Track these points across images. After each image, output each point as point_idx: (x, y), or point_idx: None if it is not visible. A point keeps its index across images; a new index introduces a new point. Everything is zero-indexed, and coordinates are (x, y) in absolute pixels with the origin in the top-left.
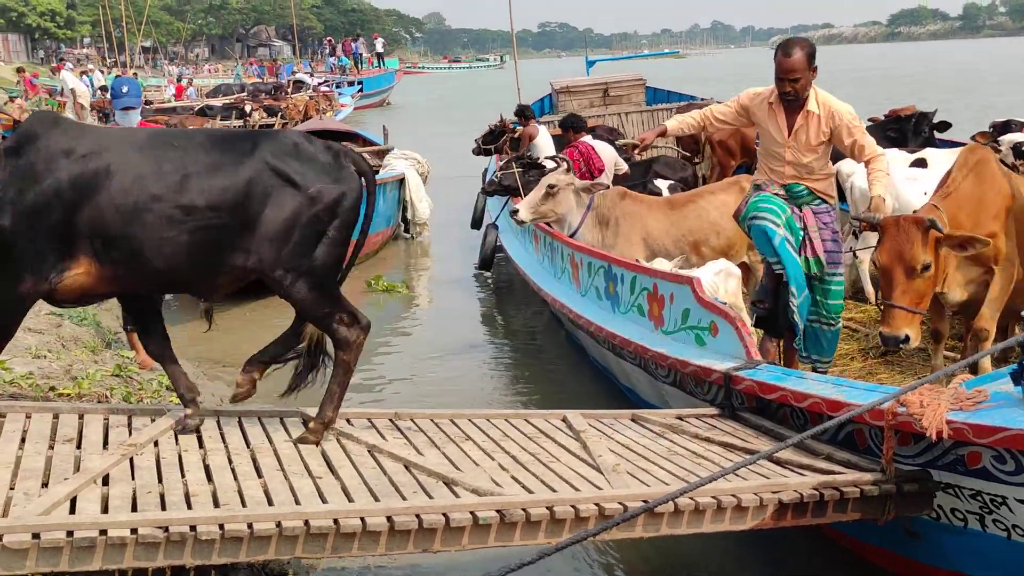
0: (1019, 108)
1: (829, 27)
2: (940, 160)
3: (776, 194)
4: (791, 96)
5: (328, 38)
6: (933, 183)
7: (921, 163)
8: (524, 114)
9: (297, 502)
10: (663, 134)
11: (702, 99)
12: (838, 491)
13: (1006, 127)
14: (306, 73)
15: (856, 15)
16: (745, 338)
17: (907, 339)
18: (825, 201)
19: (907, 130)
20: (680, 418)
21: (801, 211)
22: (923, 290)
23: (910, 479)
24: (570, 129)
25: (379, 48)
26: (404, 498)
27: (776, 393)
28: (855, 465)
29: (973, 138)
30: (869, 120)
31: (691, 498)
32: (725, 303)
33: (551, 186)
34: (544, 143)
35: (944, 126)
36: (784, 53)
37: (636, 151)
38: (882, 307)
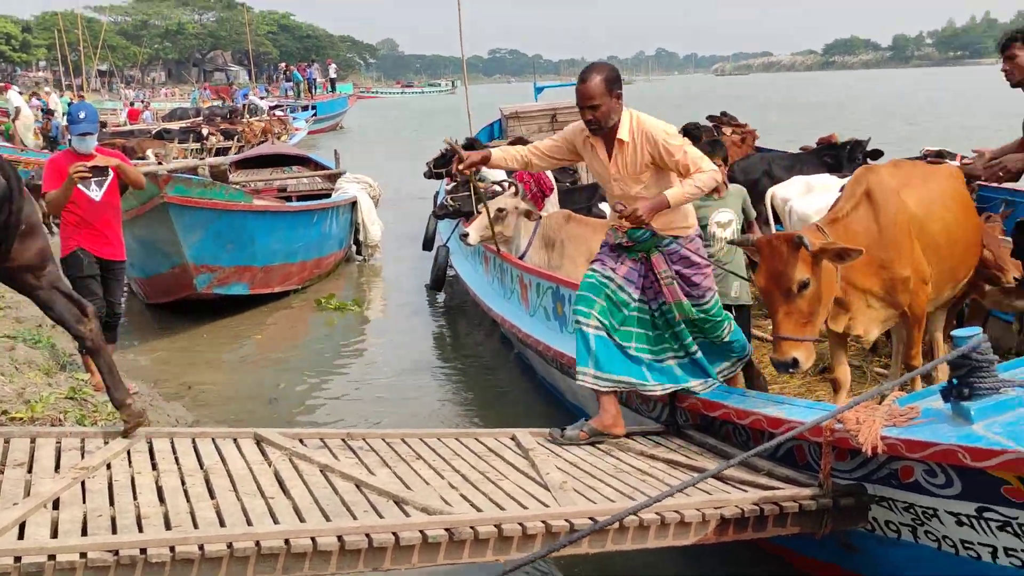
0: (948, 135)
1: (768, 55)
2: None
3: (617, 244)
4: (593, 125)
5: (284, 63)
6: None
7: None
8: (473, 147)
9: (249, 523)
10: (486, 159)
11: None
12: (778, 506)
13: (939, 156)
14: (260, 98)
15: (794, 44)
16: None
17: (796, 363)
18: (675, 238)
19: (842, 157)
20: (627, 435)
21: (650, 259)
22: (806, 309)
23: (846, 493)
24: None
25: (332, 74)
26: (355, 517)
27: (719, 411)
28: (794, 480)
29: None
30: (801, 149)
31: (636, 515)
32: None
33: (500, 209)
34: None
35: (876, 154)
36: (581, 79)
37: (458, 167)
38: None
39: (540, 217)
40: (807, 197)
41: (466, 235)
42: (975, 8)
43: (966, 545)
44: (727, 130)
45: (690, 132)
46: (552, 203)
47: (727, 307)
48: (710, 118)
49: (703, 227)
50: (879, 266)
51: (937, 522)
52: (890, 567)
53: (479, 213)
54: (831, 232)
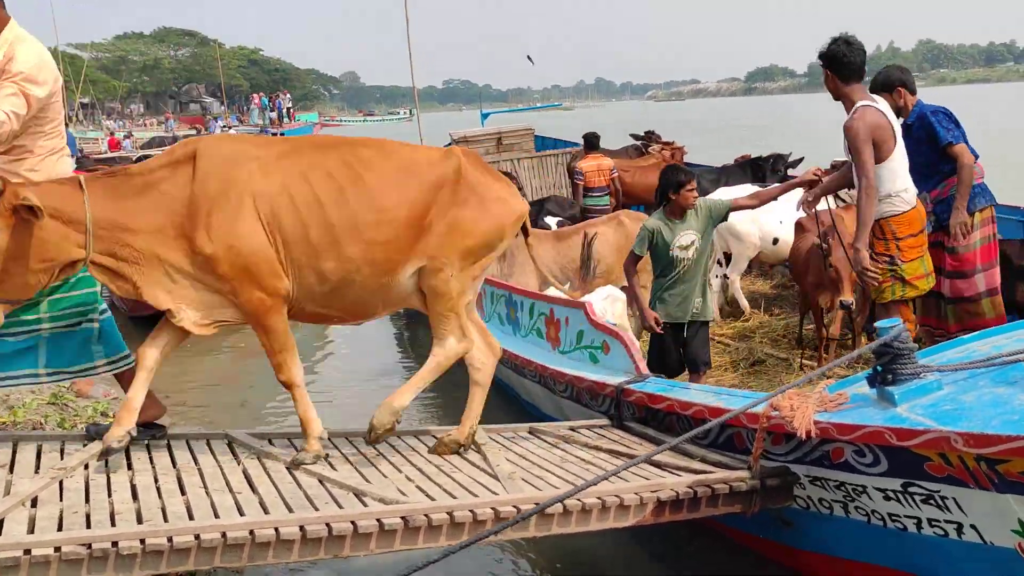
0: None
1: (696, 82)
2: (789, 193)
3: None
4: None
5: (255, 94)
6: (785, 213)
7: None
8: None
9: (216, 516)
10: None
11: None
12: (710, 488)
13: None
14: (231, 127)
15: (719, 72)
16: (634, 355)
17: None
18: None
19: (767, 168)
20: (573, 429)
21: None
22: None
23: (773, 474)
24: None
25: (288, 103)
26: (316, 509)
27: (664, 403)
28: (726, 465)
29: (815, 173)
30: (736, 159)
31: (579, 499)
32: (615, 324)
33: None
34: None
35: (796, 163)
36: None
37: None
38: None
39: None
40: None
41: None
42: (881, 38)
43: (893, 518)
44: (655, 147)
45: (588, 140)
46: None
47: (692, 323)
48: (635, 136)
49: (668, 252)
50: (181, 235)
51: (866, 498)
52: (823, 540)
53: None
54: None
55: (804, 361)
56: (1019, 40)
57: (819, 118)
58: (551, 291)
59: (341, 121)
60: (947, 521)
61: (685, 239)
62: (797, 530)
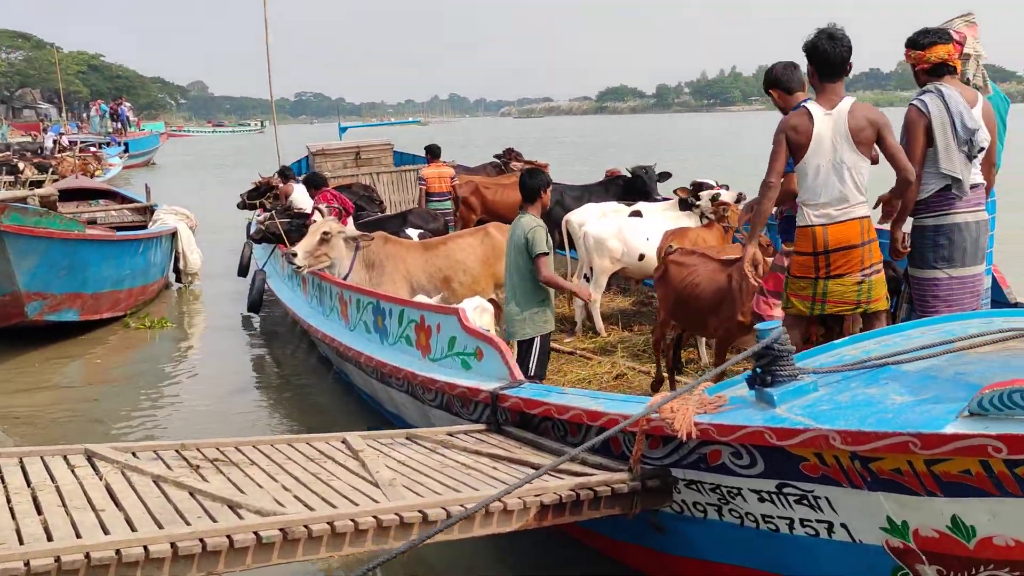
0: (702, 171)
1: (549, 100)
2: (653, 211)
3: None
4: None
5: (96, 101)
6: (650, 229)
7: (638, 214)
8: (284, 174)
9: (78, 536)
10: None
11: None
12: (592, 491)
13: (702, 185)
14: (64, 135)
15: (571, 91)
16: (508, 361)
17: None
18: None
19: (635, 184)
20: (451, 435)
21: None
22: None
23: (652, 476)
24: (312, 186)
25: (126, 112)
26: (188, 524)
27: (540, 408)
28: (606, 467)
29: (675, 192)
30: (607, 174)
31: (462, 505)
32: (488, 330)
33: (326, 232)
34: (300, 197)
35: (665, 176)
36: None
37: None
38: None
39: (359, 241)
40: (601, 221)
41: (294, 256)
42: (724, 63)
43: (766, 519)
44: (516, 164)
45: (431, 149)
46: (350, 223)
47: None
48: (497, 156)
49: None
50: None
51: (741, 500)
52: (694, 544)
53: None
54: None
55: (664, 375)
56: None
57: (665, 135)
58: (420, 298)
59: (189, 131)
60: (819, 521)
61: None
62: (668, 535)
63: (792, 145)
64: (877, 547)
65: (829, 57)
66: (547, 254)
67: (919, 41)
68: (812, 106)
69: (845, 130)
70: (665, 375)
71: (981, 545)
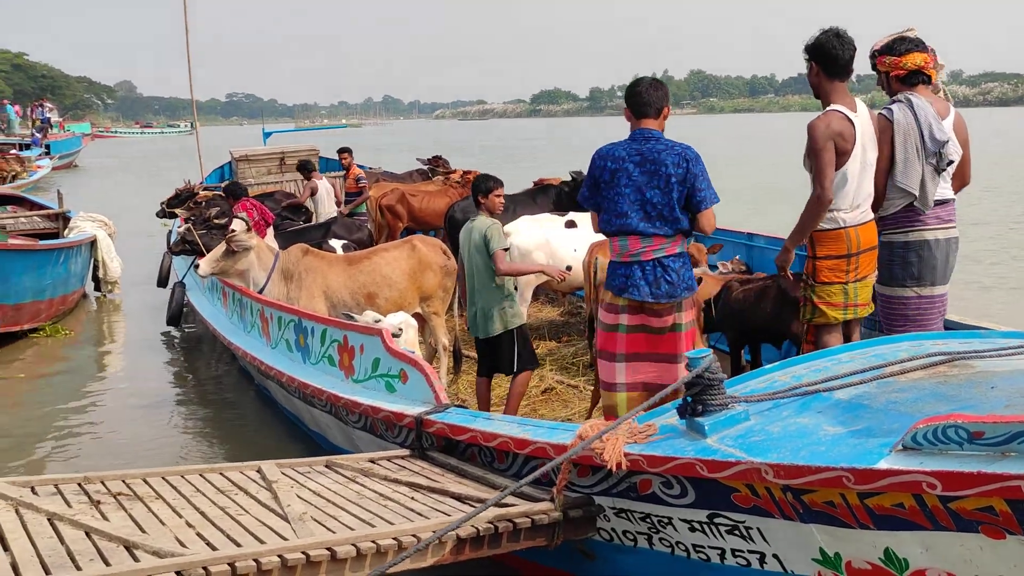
0: None
1: (483, 103)
2: (586, 222)
3: None
4: None
5: (15, 103)
6: (580, 240)
7: (572, 224)
8: (235, 192)
9: None
10: None
11: (369, 168)
12: (511, 523)
13: None
14: None
15: (505, 94)
16: (434, 384)
17: None
18: None
19: (564, 194)
20: (372, 461)
21: None
22: None
23: (575, 505)
24: (231, 196)
25: (46, 113)
26: (79, 568)
27: (466, 434)
28: (528, 496)
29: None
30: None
31: (374, 541)
32: (414, 352)
33: (236, 243)
34: (325, 195)
35: None
36: None
37: None
38: None
39: (278, 252)
40: (528, 232)
41: (198, 266)
42: (656, 67)
43: (697, 549)
44: (443, 171)
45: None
46: (270, 234)
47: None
48: (422, 160)
49: None
50: None
51: (672, 529)
52: (626, 573)
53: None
54: None
55: (592, 388)
56: (779, 74)
57: (601, 138)
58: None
59: (116, 132)
60: (750, 551)
61: None
62: (598, 562)
63: (838, 151)
64: None
65: (839, 55)
66: (506, 249)
67: (895, 47)
68: (843, 109)
69: (871, 131)
70: None
71: None
